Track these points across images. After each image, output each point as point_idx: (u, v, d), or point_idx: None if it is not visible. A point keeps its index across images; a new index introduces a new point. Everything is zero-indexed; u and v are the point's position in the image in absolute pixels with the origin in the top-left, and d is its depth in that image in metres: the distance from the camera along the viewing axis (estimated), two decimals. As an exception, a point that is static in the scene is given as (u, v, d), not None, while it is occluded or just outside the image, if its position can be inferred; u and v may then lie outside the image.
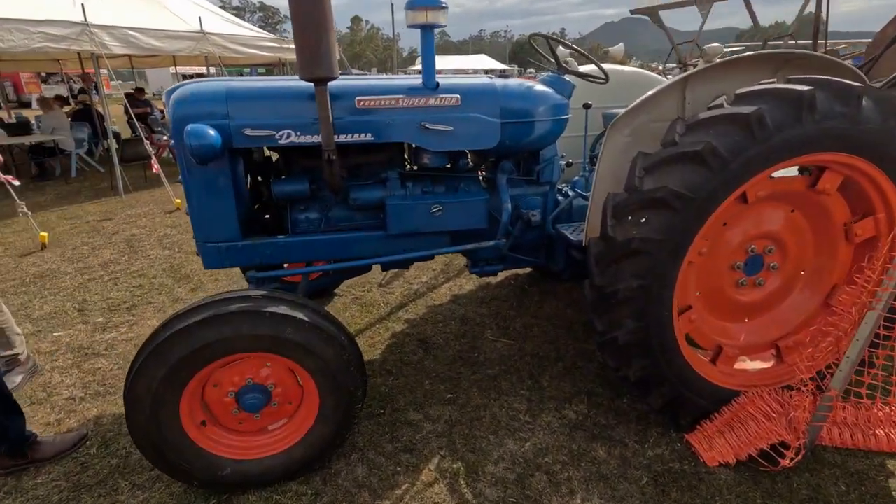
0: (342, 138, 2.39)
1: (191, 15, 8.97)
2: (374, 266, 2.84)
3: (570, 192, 3.08)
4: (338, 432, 2.19)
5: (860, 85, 2.04)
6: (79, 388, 2.95)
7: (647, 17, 7.34)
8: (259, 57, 10.63)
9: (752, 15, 5.96)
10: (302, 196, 2.60)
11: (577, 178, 3.23)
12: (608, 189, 2.31)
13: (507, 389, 2.87)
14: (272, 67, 13.28)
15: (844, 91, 2.00)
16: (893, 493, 2.14)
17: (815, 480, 2.21)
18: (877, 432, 2.37)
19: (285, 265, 3.12)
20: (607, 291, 2.21)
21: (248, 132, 2.28)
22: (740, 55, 2.42)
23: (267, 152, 2.86)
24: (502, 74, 3.27)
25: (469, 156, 2.92)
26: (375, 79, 2.60)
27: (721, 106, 2.10)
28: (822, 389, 2.28)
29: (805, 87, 1.98)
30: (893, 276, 2.02)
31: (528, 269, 4.36)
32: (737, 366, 2.54)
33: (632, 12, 7.45)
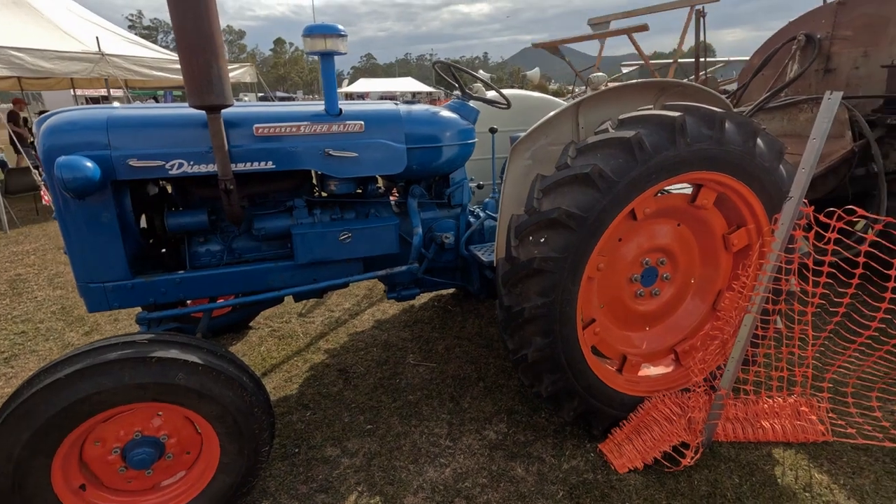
0: (241, 167, 2.30)
1: (87, 35, 8.38)
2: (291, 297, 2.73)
3: (482, 214, 3.16)
4: (243, 481, 2.05)
5: (722, 111, 2.27)
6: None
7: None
8: (171, 80, 10.10)
9: (639, 50, 6.56)
10: (200, 228, 2.47)
11: (487, 199, 3.32)
12: (513, 210, 2.39)
13: (428, 414, 2.84)
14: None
15: (709, 116, 2.21)
16: (778, 479, 2.33)
17: (713, 476, 2.36)
18: (763, 424, 2.58)
19: (188, 302, 2.93)
20: (515, 311, 2.26)
21: (133, 163, 2.13)
22: (625, 83, 2.63)
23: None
24: (409, 101, 3.35)
25: (379, 181, 2.92)
26: (276, 106, 2.53)
27: (606, 130, 2.25)
28: (714, 389, 2.45)
29: (677, 113, 2.17)
30: (763, 280, 2.24)
31: (451, 290, 4.40)
32: (641, 373, 2.68)
33: (534, 46, 7.95)
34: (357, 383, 3.17)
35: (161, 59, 9.72)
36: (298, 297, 2.85)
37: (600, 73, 3.08)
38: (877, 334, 2.21)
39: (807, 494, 2.25)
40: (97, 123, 2.11)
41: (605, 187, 2.13)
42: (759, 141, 2.30)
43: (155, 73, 9.31)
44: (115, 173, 2.11)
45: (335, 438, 2.65)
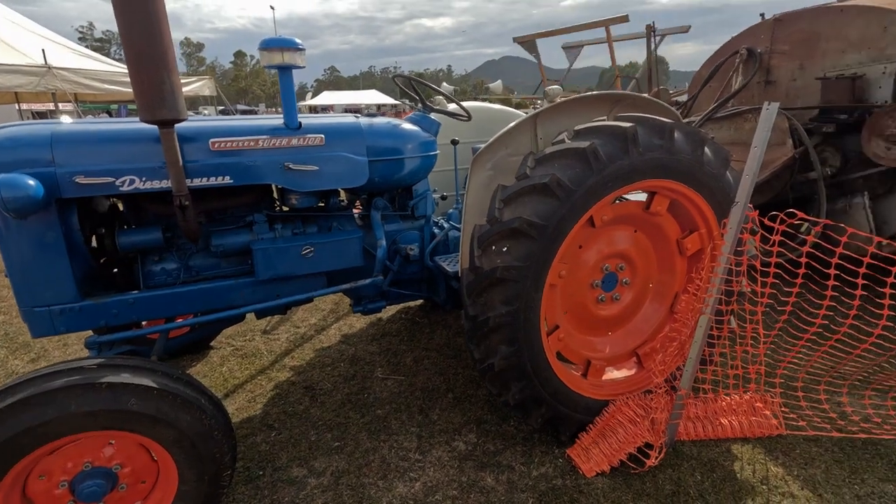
0: (197, 182, 2.25)
1: (33, 48, 8.02)
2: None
3: (446, 225, 3.18)
4: (203, 508, 1.96)
5: (672, 121, 2.37)
6: None
7: (520, 56, 8.08)
8: (124, 94, 9.77)
9: (611, 49, 6.80)
10: (154, 246, 2.38)
11: (451, 210, 3.35)
12: (476, 220, 2.42)
13: (397, 428, 2.81)
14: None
15: (659, 126, 2.31)
16: (738, 474, 2.42)
17: (677, 474, 2.42)
18: (722, 421, 2.67)
19: (144, 323, 2.82)
20: (480, 320, 2.28)
21: (79, 180, 2.05)
22: (581, 95, 2.71)
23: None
24: (371, 114, 3.38)
25: (342, 194, 2.90)
26: (233, 119, 2.49)
27: (563, 141, 2.31)
28: (675, 389, 2.53)
29: (628, 124, 2.25)
30: (715, 282, 2.33)
31: (418, 301, 4.38)
32: (605, 377, 2.74)
33: (515, 40, 8.19)
34: (324, 400, 3.10)
35: (114, 73, 9.39)
36: (261, 315, 2.79)
37: (556, 87, 3.17)
38: (821, 330, 2.33)
39: (764, 487, 2.34)
40: (40, 139, 2.02)
41: (563, 196, 2.18)
42: (706, 149, 2.42)
43: (107, 86, 8.99)
44: (60, 191, 2.02)
45: (301, 458, 2.59)
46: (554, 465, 2.51)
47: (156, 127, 2.03)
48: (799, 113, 4.17)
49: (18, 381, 1.71)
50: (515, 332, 2.27)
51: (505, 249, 2.21)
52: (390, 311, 4.36)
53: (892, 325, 2.26)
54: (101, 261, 2.50)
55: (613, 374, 2.79)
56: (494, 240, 2.23)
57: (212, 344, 3.82)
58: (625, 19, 6.67)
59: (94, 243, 2.41)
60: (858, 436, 2.57)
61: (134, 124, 2.23)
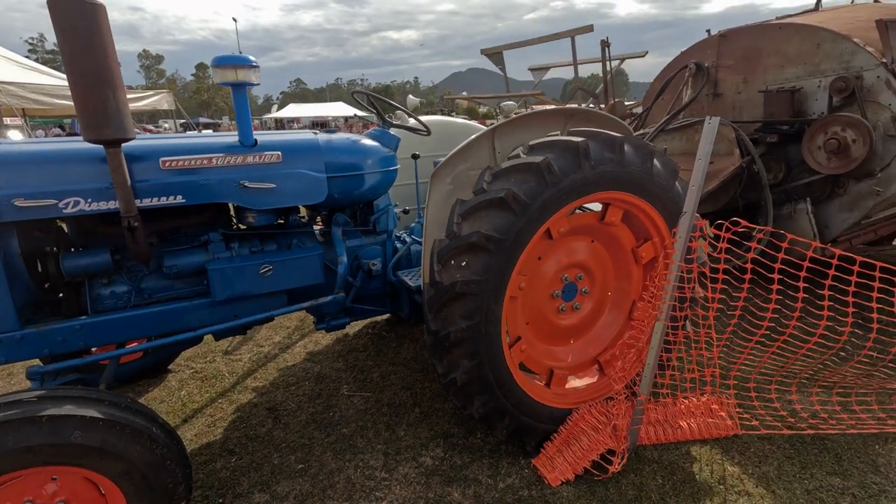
0: (147, 202, 2.19)
1: (-24, 61, 7.67)
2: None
3: (408, 239, 3.18)
4: (156, 542, 1.88)
5: (622, 135, 2.46)
6: None
7: (485, 68, 8.25)
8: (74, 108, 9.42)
9: (575, 59, 7.00)
10: (103, 269, 2.30)
11: (413, 224, 3.35)
12: (436, 235, 2.43)
13: (363, 447, 2.77)
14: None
15: (610, 140, 2.38)
16: (697, 476, 2.48)
17: (639, 479, 2.47)
18: (681, 424, 2.74)
19: (93, 350, 2.70)
20: (441, 335, 2.28)
21: (19, 203, 1.97)
22: (536, 111, 2.78)
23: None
24: (328, 130, 3.38)
25: (301, 210, 2.87)
26: (184, 137, 2.44)
27: (518, 156, 2.36)
28: (635, 395, 2.59)
29: (580, 139, 2.32)
30: (668, 289, 2.41)
31: (385, 315, 4.36)
32: (568, 385, 2.78)
33: (482, 52, 8.33)
34: (287, 421, 3.03)
35: (64, 87, 9.06)
36: (219, 336, 2.71)
37: (510, 103, 3.25)
38: (769, 332, 2.44)
39: (721, 487, 2.41)
40: (-25, 161, 1.93)
41: (519, 210, 2.22)
42: (655, 161, 2.51)
43: (57, 101, 8.67)
44: None
45: (263, 483, 2.51)
46: (520, 475, 2.52)
47: (101, 147, 1.97)
48: (744, 124, 4.38)
49: (-50, 418, 1.61)
50: (477, 346, 2.28)
51: (464, 264, 2.22)
52: (357, 325, 4.32)
53: (832, 324, 2.39)
54: (45, 286, 2.39)
55: (576, 382, 2.83)
56: (453, 254, 2.25)
57: (170, 367, 3.69)
58: (589, 29, 6.92)
59: (37, 268, 2.30)
60: (807, 432, 2.69)
61: (78, 144, 2.15)
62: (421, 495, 2.41)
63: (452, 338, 2.25)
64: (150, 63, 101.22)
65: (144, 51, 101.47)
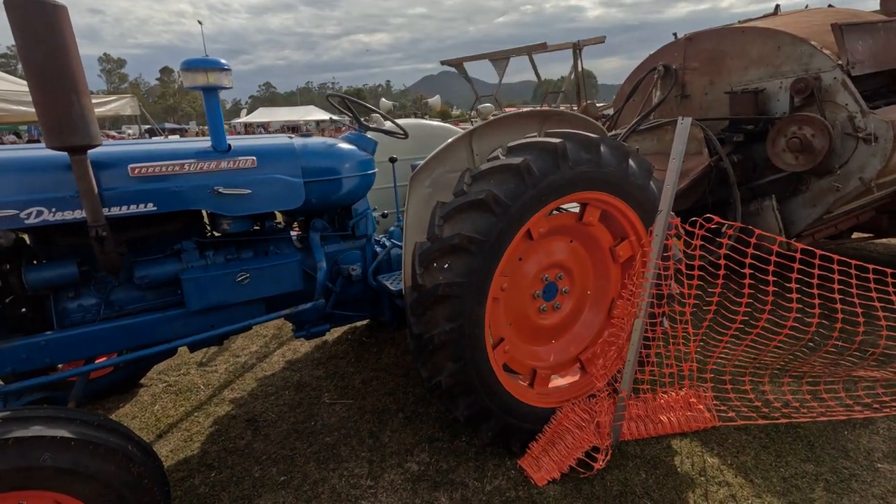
0: (116, 211, 2.11)
1: (-78, 66, 7.26)
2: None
3: (388, 243, 3.15)
4: (134, 565, 1.80)
5: (598, 136, 2.50)
6: None
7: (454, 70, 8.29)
8: (31, 114, 9.03)
9: (536, 72, 7.09)
10: (69, 281, 2.20)
11: (392, 228, 3.33)
12: (417, 238, 2.41)
13: (347, 455, 2.72)
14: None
15: (586, 141, 2.42)
16: (678, 469, 2.53)
17: (623, 475, 2.50)
18: (661, 419, 2.80)
19: (60, 366, 2.58)
20: (425, 338, 2.27)
21: (-24, 214, 1.86)
22: (513, 113, 2.80)
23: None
24: (304, 134, 3.33)
25: (278, 216, 2.81)
26: (154, 143, 2.36)
27: (497, 158, 2.37)
28: (616, 392, 2.62)
29: (558, 140, 2.34)
30: (646, 287, 2.46)
31: (365, 321, 4.31)
32: (551, 385, 2.80)
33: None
34: (268, 432, 2.96)
35: (19, 92, 8.69)
36: (194, 347, 2.63)
37: (488, 105, 3.27)
38: (742, 326, 2.52)
39: (702, 479, 2.47)
40: (-73, 171, 1.82)
41: (500, 211, 2.23)
42: (630, 162, 2.56)
43: (13, 106, 8.29)
44: None
45: (245, 497, 2.45)
46: (507, 477, 2.52)
47: (66, 154, 1.89)
48: (712, 124, 4.52)
49: None
50: (461, 349, 2.28)
51: (446, 266, 2.22)
52: (336, 332, 4.26)
53: (800, 316, 2.47)
54: (5, 300, 2.27)
55: (559, 381, 2.86)
56: (435, 257, 2.24)
57: (141, 381, 3.55)
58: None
59: (-3, 281, 2.19)
60: (780, 421, 2.78)
61: (40, 151, 2.06)
62: (408, 502, 2.39)
63: (436, 341, 2.24)
64: (112, 67, 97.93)
65: (105, 54, 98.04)
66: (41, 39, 1.71)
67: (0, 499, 1.60)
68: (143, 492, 1.77)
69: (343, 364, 3.75)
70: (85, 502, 1.69)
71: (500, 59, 7.73)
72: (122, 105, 11.32)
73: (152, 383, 3.57)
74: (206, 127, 2.40)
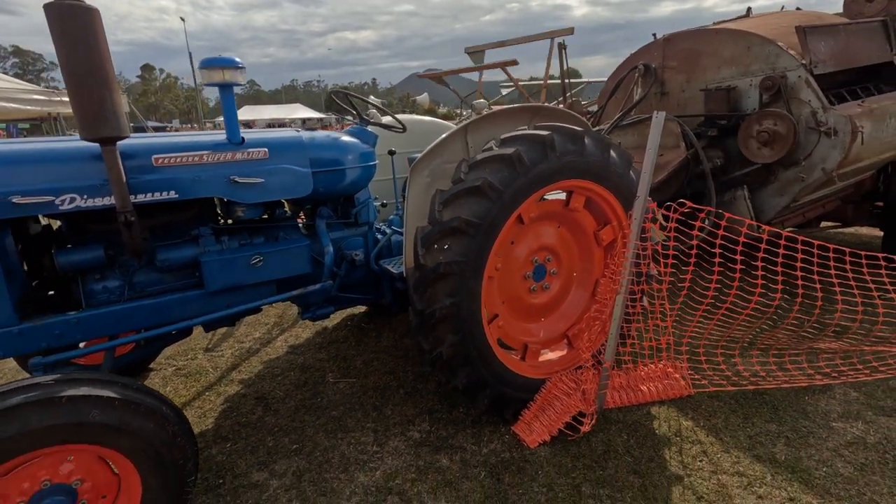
0: (141, 198, 2.29)
1: None
2: (196, 331, 2.68)
3: (388, 230, 3.36)
4: (169, 517, 2.00)
5: (582, 129, 2.74)
6: None
7: (444, 69, 8.46)
8: (18, 112, 9.00)
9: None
10: (96, 264, 2.37)
11: (392, 216, 3.54)
12: (417, 223, 2.63)
13: (353, 426, 2.94)
14: (40, 122, 11.35)
15: (572, 133, 2.66)
16: (656, 431, 2.79)
17: (607, 437, 2.76)
18: (641, 388, 3.06)
19: (82, 344, 2.74)
20: (427, 313, 2.49)
21: (16, 200, 2.03)
22: (504, 108, 3.03)
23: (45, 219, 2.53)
24: (310, 129, 3.53)
25: (286, 204, 3.00)
26: (175, 136, 2.54)
27: (491, 149, 2.59)
28: (600, 364, 2.87)
29: (546, 132, 2.58)
30: (626, 266, 2.70)
31: (363, 308, 4.51)
32: (541, 358, 3.04)
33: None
34: (277, 408, 3.16)
35: (7, 89, 8.66)
36: (209, 327, 2.81)
37: (482, 100, 3.49)
38: (714, 302, 2.78)
39: (678, 439, 2.73)
40: (-29, 161, 1.99)
41: (494, 196, 2.46)
42: (612, 152, 2.80)
43: None
44: None
45: (261, 463, 2.64)
46: (501, 441, 2.75)
47: (95, 144, 2.06)
48: (688, 119, 4.80)
49: (-31, 403, 1.68)
50: (460, 321, 2.50)
51: (446, 247, 2.44)
52: (335, 319, 4.45)
53: (765, 291, 2.75)
54: (34, 282, 2.44)
55: (548, 355, 3.10)
56: (436, 238, 2.46)
57: (151, 366, 3.72)
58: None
59: (27, 264, 2.35)
60: (748, 388, 3.05)
61: (71, 143, 2.23)
62: (412, 463, 2.61)
63: (438, 315, 2.46)
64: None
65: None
66: (79, 40, 1.88)
67: (51, 453, 1.79)
68: (177, 449, 1.96)
69: (344, 347, 3.96)
70: (127, 457, 1.88)
71: (476, 51, 7.89)
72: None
73: (162, 367, 3.73)
74: (189, 126, 2.58)
